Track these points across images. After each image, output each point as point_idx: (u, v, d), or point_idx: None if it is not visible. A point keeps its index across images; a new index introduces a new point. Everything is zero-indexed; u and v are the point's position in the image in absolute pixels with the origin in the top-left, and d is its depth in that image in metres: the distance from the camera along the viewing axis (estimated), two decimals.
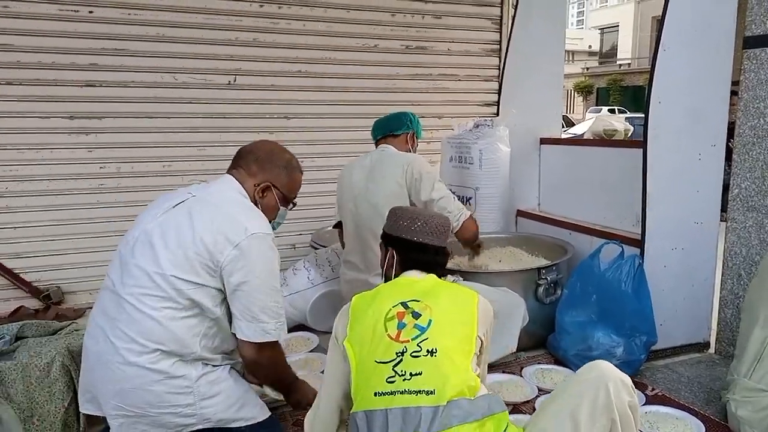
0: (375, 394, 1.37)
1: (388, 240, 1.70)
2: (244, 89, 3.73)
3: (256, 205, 1.81)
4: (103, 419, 1.77)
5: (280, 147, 1.92)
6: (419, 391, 1.34)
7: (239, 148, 1.90)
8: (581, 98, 30.86)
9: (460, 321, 1.49)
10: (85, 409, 1.77)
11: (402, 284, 1.59)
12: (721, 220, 2.82)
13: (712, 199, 2.75)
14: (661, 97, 2.59)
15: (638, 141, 2.80)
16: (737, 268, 2.69)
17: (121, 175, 3.53)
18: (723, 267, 2.76)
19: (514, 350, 2.57)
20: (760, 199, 2.57)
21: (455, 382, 1.36)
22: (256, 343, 1.68)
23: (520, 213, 3.78)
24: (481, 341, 1.51)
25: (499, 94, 3.94)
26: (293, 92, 3.86)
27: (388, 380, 1.37)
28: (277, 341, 1.73)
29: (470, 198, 3.54)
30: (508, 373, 2.58)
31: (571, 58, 33.76)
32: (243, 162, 1.84)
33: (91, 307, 1.78)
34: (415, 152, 2.77)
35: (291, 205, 1.95)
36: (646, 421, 2.13)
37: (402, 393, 1.34)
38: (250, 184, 1.81)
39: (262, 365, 1.75)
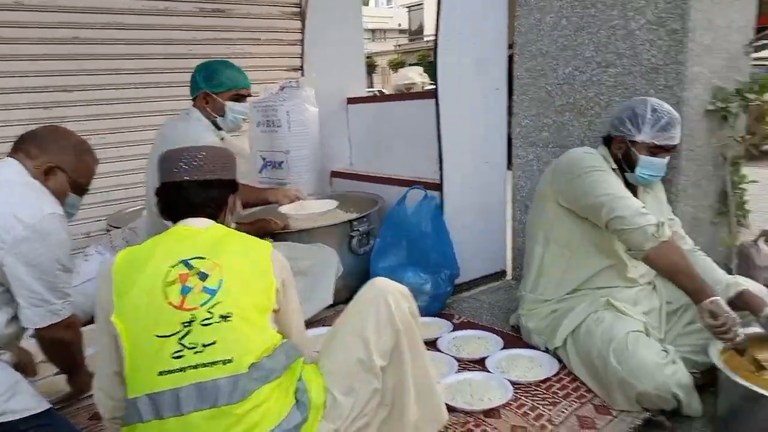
0: (159, 374, 1.20)
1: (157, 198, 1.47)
2: (9, 60, 3.23)
3: None
4: None
5: (68, 130, 1.80)
6: (214, 363, 1.20)
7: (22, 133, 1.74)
8: (395, 74, 32.22)
9: (254, 273, 1.33)
10: None
11: (183, 236, 1.36)
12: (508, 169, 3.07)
13: (499, 140, 2.99)
14: (448, 47, 2.73)
15: (431, 91, 2.94)
16: (524, 200, 2.95)
17: None
18: (512, 200, 3.02)
19: (331, 303, 2.58)
20: (538, 134, 2.84)
21: (255, 345, 1.26)
22: (49, 326, 1.62)
23: (334, 173, 3.80)
24: (278, 291, 1.37)
25: (302, 56, 3.90)
26: (71, 61, 3.43)
27: (175, 356, 1.20)
28: (72, 320, 1.68)
29: (282, 162, 3.47)
30: (328, 325, 2.58)
31: (383, 36, 34.90)
32: (23, 145, 1.71)
33: None
34: (220, 112, 2.43)
35: (83, 192, 1.83)
36: (453, 345, 2.27)
37: (194, 368, 1.19)
38: (31, 165, 1.68)
39: (56, 345, 1.70)
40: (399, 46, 34.58)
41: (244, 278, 1.31)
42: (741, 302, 1.94)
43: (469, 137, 2.86)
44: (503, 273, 3.20)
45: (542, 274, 2.20)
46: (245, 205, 2.43)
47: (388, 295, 1.44)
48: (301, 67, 3.96)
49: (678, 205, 2.38)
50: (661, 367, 1.80)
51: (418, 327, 1.49)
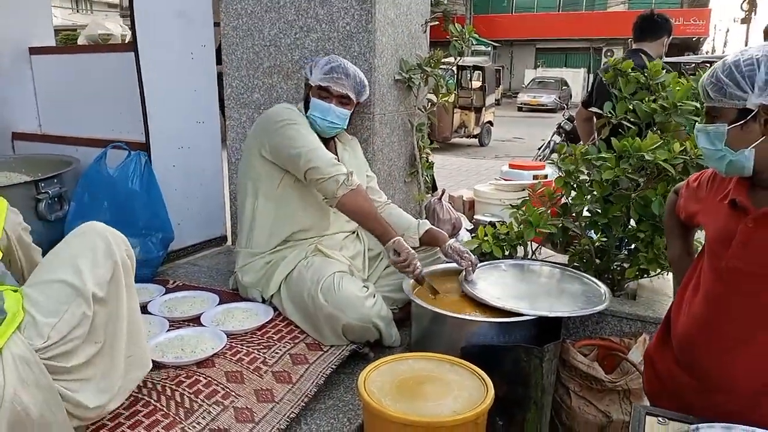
0: None
1: None
2: None
3: None
4: None
5: None
6: None
7: None
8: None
9: None
10: None
11: None
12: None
13: (209, 98, 2.92)
14: None
15: (129, 44, 2.70)
16: (239, 162, 2.94)
17: None
18: (228, 163, 2.99)
19: None
20: (249, 95, 2.85)
21: None
22: None
23: (18, 135, 3.23)
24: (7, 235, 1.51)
25: None
26: None
27: None
28: None
29: None
30: None
31: (88, 8, 30.77)
32: None
33: None
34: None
35: None
36: (166, 307, 2.16)
37: None
38: None
39: None
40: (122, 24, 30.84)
41: None
42: (428, 237, 2.29)
43: (176, 95, 2.73)
44: (223, 238, 3.16)
45: (254, 228, 2.23)
46: None
47: (107, 233, 1.41)
48: None
49: (375, 163, 2.66)
50: (362, 299, 2.01)
51: (133, 268, 1.47)
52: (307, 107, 2.24)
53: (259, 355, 1.88)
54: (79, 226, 1.46)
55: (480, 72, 13.39)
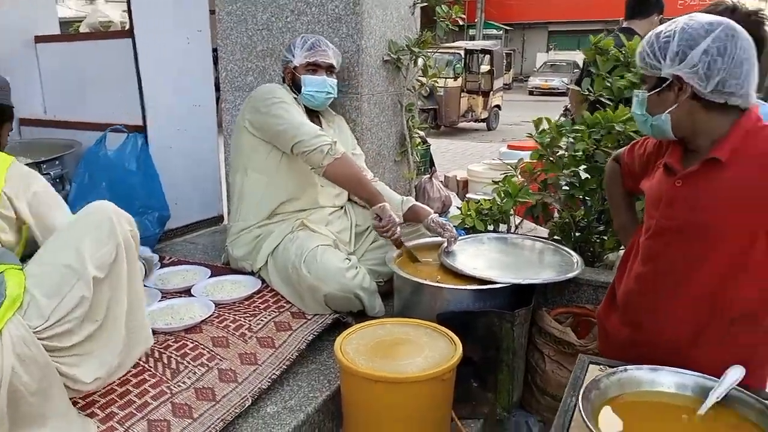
0: None
1: None
2: None
3: None
4: None
5: None
6: None
7: None
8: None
9: None
10: None
11: None
12: None
13: (205, 82, 3.02)
14: None
15: (128, 30, 2.80)
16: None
17: None
18: (224, 145, 3.09)
19: None
20: (242, 78, 2.94)
21: None
22: None
23: (24, 121, 3.37)
24: (10, 200, 1.44)
25: None
26: None
27: None
28: None
29: None
30: None
31: None
32: None
33: None
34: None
35: None
36: (159, 280, 2.27)
37: None
38: None
39: None
40: None
41: None
42: (411, 213, 2.38)
43: (173, 79, 2.83)
44: (220, 218, 3.27)
45: (243, 200, 2.34)
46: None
47: (111, 215, 1.47)
48: None
49: (363, 143, 2.74)
50: (343, 270, 2.11)
51: (137, 249, 1.53)
52: (297, 87, 2.33)
53: (244, 322, 1.99)
54: (88, 206, 1.52)
55: (489, 56, 13.36)
